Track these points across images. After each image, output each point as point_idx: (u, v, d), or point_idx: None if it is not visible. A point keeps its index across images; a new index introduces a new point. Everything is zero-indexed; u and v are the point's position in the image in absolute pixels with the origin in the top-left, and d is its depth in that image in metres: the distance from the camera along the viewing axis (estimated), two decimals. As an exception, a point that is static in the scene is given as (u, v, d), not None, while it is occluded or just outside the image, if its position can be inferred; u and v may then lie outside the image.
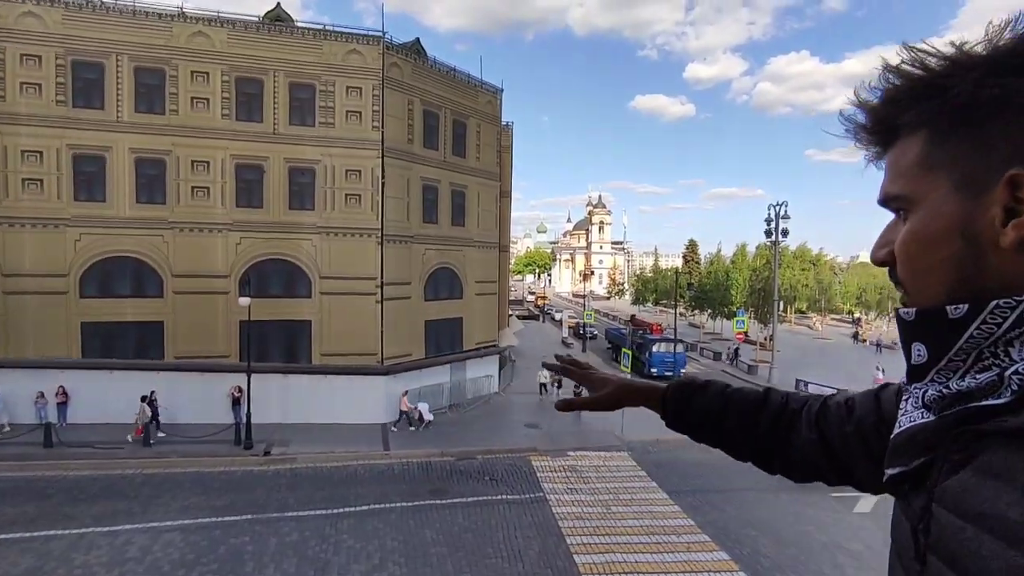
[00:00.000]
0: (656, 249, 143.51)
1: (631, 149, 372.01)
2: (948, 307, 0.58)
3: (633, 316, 39.19)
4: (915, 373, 0.64)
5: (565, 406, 1.24)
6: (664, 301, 62.48)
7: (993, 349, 0.57)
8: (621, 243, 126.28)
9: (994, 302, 0.55)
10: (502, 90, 26.72)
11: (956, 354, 0.59)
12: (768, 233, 32.08)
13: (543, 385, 25.14)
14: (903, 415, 0.68)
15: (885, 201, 0.66)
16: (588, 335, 45.19)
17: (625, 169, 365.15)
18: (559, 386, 23.86)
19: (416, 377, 21.74)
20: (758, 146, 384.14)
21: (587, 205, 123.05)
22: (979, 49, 0.57)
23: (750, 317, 40.77)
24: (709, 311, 48.74)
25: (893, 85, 0.62)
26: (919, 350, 0.62)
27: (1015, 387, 0.54)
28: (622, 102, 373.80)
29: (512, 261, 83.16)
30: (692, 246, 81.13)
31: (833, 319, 63.74)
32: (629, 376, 1.29)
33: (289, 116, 20.34)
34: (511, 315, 35.02)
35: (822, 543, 12.79)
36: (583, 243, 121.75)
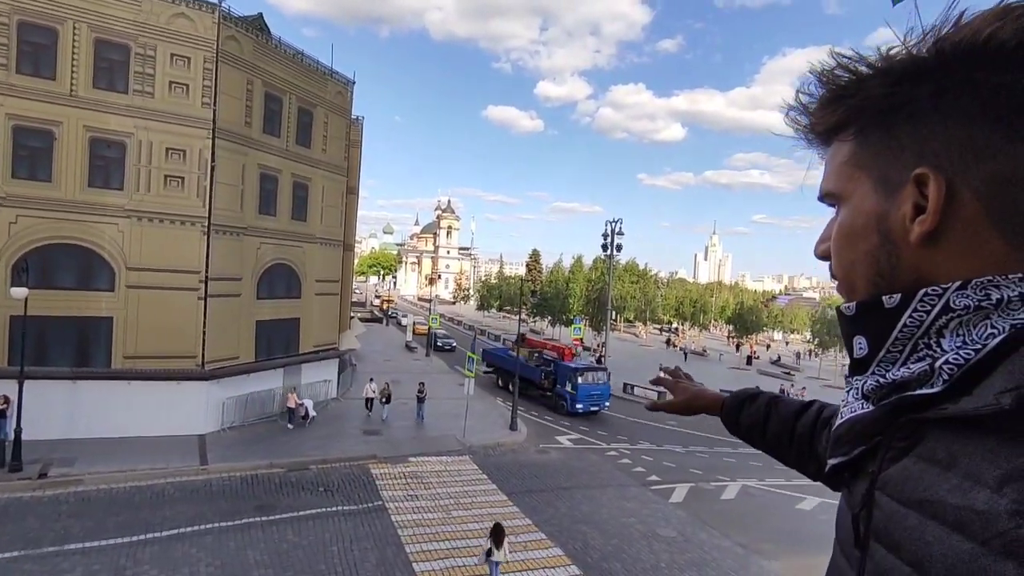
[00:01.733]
0: (502, 257, 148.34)
1: (482, 157, 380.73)
2: (884, 297, 0.60)
3: (523, 335, 31.76)
4: (857, 366, 0.66)
5: (651, 407, 1.47)
6: (508, 308, 64.67)
7: (926, 340, 0.58)
8: (468, 249, 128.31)
9: (923, 290, 0.57)
10: (354, 82, 25.59)
11: (893, 344, 0.60)
12: (604, 247, 34.80)
13: (370, 400, 22.18)
14: (844, 407, 0.69)
15: (822, 197, 0.69)
16: (445, 346, 42.77)
17: (476, 176, 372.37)
18: (386, 401, 21.81)
19: (243, 382, 19.73)
20: (598, 166, 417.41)
21: (436, 209, 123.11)
22: (898, 56, 0.59)
23: (586, 325, 43.81)
24: (549, 318, 51.51)
25: (827, 88, 0.65)
26: (860, 343, 0.64)
27: (945, 376, 0.55)
28: (475, 110, 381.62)
29: (356, 261, 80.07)
30: (535, 255, 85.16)
31: (655, 328, 71.11)
32: (701, 385, 1.43)
33: (93, 78, 17.28)
34: (353, 317, 33.54)
35: (641, 532, 14.03)
36: (431, 247, 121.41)
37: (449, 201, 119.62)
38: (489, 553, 10.88)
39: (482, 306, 68.48)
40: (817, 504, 16.87)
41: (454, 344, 44.26)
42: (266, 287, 21.14)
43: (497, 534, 10.88)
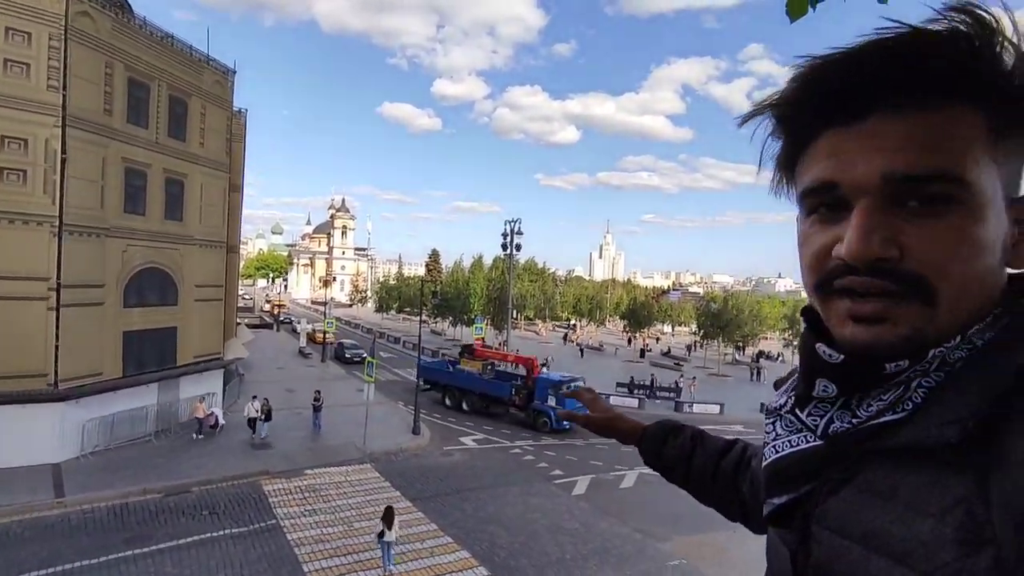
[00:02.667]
0: (400, 257, 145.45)
1: (378, 155, 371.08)
2: (888, 364, 0.53)
3: (469, 346, 29.00)
4: (807, 400, 0.60)
5: (566, 416, 1.34)
6: (408, 309, 63.42)
7: (908, 379, 0.55)
8: (365, 249, 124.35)
9: (932, 352, 0.52)
10: (235, 71, 23.76)
11: (870, 393, 0.56)
12: (504, 246, 35.13)
13: (253, 420, 19.55)
14: (776, 439, 0.63)
15: (922, 178, 0.50)
16: (355, 358, 36.86)
17: (371, 175, 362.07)
18: (266, 418, 19.60)
19: (109, 401, 17.59)
20: (497, 165, 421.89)
21: (330, 208, 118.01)
22: None
23: (487, 324, 44.00)
24: (450, 318, 51.18)
25: (991, 38, 0.49)
26: (826, 386, 0.58)
27: (917, 400, 0.52)
28: (370, 107, 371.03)
29: (242, 263, 74.84)
30: (435, 255, 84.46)
31: (555, 325, 73.02)
32: (622, 411, 1.27)
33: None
34: (240, 324, 31.20)
35: (546, 527, 14.27)
36: (324, 247, 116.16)
37: (344, 200, 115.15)
38: (381, 535, 11.36)
39: (381, 308, 66.54)
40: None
41: (364, 355, 36.55)
42: (135, 294, 19.02)
43: (388, 515, 11.45)
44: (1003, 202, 0.52)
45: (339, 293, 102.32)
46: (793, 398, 0.62)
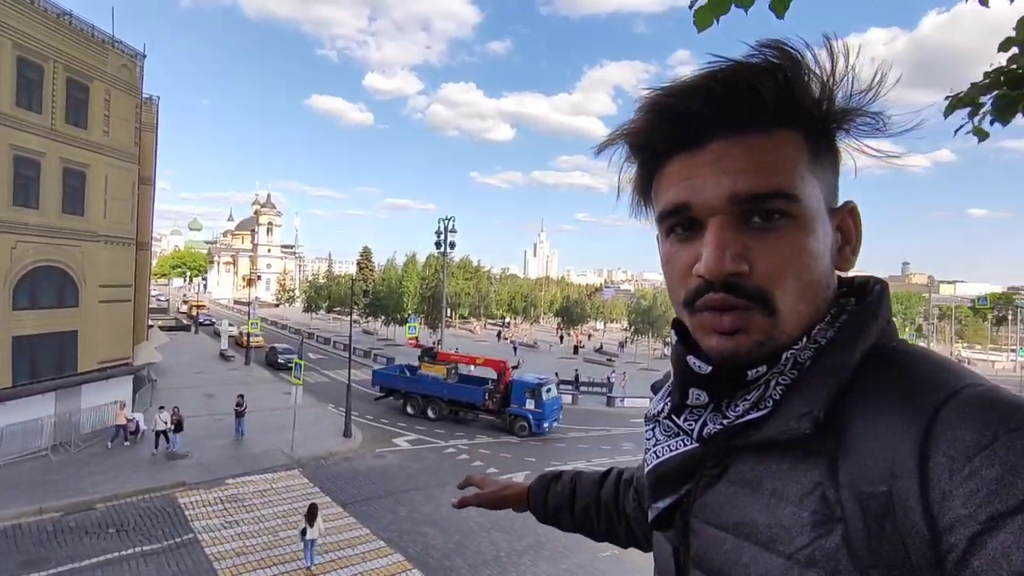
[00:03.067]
0: (330, 255, 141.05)
1: (307, 149, 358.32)
2: (749, 371, 0.58)
3: (430, 349, 27.78)
4: (682, 408, 0.64)
5: (460, 504, 1.28)
6: (338, 308, 61.58)
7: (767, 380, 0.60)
8: (292, 247, 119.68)
9: (784, 355, 0.57)
10: (145, 55, 22.10)
11: (736, 397, 0.61)
12: (438, 244, 34.76)
13: (161, 433, 17.75)
14: (656, 445, 0.67)
15: (763, 196, 0.56)
16: (288, 363, 30.27)
17: (299, 170, 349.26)
18: (176, 428, 17.76)
19: (-3, 413, 15.93)
20: (431, 162, 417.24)
21: (254, 204, 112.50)
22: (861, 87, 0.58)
23: (421, 323, 43.41)
24: (383, 318, 50.02)
25: (815, 73, 0.57)
26: (698, 395, 0.62)
27: (777, 397, 0.58)
28: (298, 98, 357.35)
29: (155, 262, 70.12)
30: (367, 253, 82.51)
31: (489, 323, 73.11)
32: (508, 480, 1.28)
33: None
34: (153, 326, 29.15)
35: (481, 525, 14.19)
36: (248, 245, 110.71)
37: (269, 195, 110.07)
38: (304, 532, 11.40)
39: (309, 308, 64.14)
40: (635, 475, 18.65)
41: (292, 358, 36.56)
42: (27, 295, 17.29)
43: (311, 513, 11.45)
44: (826, 213, 0.59)
45: (264, 292, 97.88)
46: (669, 406, 0.66)
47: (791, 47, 0.56)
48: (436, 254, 42.39)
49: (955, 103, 2.58)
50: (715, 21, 1.91)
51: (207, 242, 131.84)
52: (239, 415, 20.15)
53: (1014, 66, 2.46)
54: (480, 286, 63.48)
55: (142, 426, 18.85)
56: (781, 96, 0.55)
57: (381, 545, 12.77)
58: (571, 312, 56.96)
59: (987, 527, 0.41)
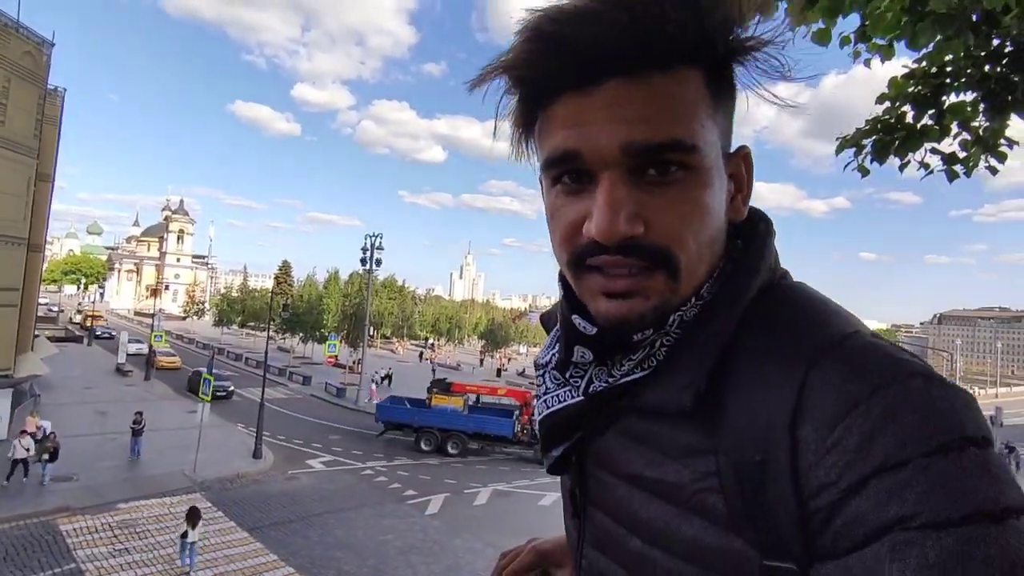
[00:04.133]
0: (246, 268, 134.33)
1: (227, 157, 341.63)
2: (634, 336, 0.55)
3: (441, 380, 26.44)
4: (568, 364, 0.63)
5: None
6: (253, 323, 58.56)
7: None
8: (205, 257, 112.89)
9: (672, 317, 0.55)
10: (53, 44, 20.56)
11: (622, 356, 0.59)
12: (364, 261, 34.11)
13: (19, 462, 14.88)
14: (547, 393, 0.65)
15: (660, 147, 0.49)
16: (219, 390, 26.79)
17: (217, 177, 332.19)
18: (51, 458, 15.28)
19: None
20: (359, 179, 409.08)
21: (164, 209, 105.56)
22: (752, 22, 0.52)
23: (341, 341, 42.14)
24: (301, 335, 48.12)
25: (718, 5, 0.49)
26: (583, 353, 0.60)
27: (660, 357, 0.57)
28: (219, 103, 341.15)
29: (45, 266, 63.94)
30: (286, 267, 79.18)
31: (413, 344, 72.00)
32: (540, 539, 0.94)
33: None
34: (39, 336, 26.51)
35: (398, 548, 13.89)
36: (155, 252, 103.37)
37: (182, 201, 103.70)
38: (185, 535, 11.42)
39: (220, 322, 60.53)
40: (555, 498, 18.89)
41: (230, 388, 30.14)
42: None
43: (192, 515, 11.54)
44: (723, 161, 0.54)
45: (171, 304, 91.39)
46: (555, 360, 0.64)
47: None
48: (360, 271, 41.59)
49: (843, 144, 3.09)
50: None
51: (108, 248, 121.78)
52: (136, 434, 18.64)
53: (887, 116, 2.98)
54: (404, 306, 62.62)
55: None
56: (688, 28, 0.48)
57: (290, 572, 12.19)
58: (495, 335, 57.31)
59: (846, 494, 0.43)
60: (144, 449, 18.65)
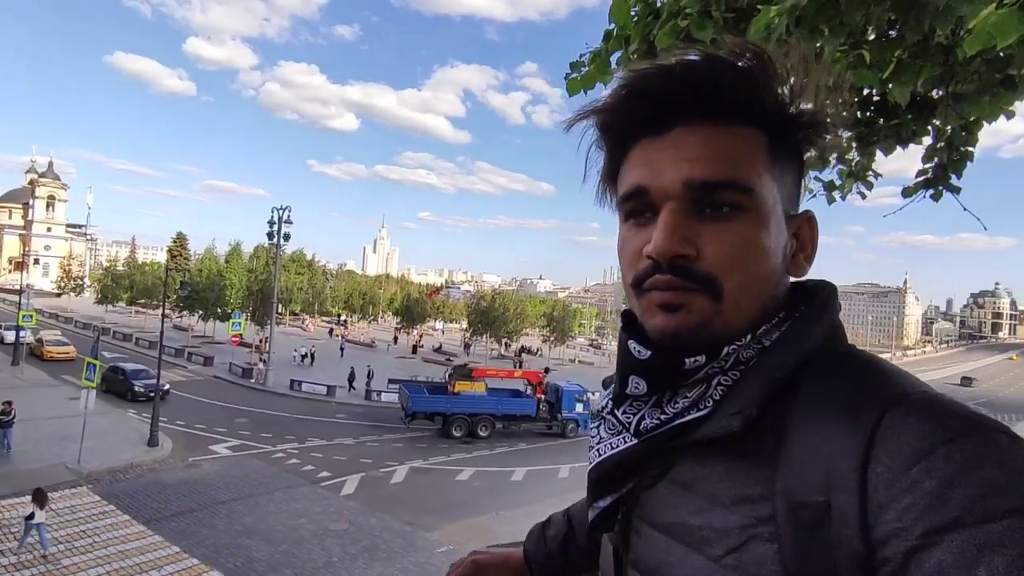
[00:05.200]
0: (134, 239, 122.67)
1: (108, 115, 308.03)
2: (687, 359, 0.57)
3: (462, 366, 27.10)
4: (624, 399, 0.63)
5: None
6: (144, 301, 53.90)
7: (709, 376, 0.59)
8: (83, 227, 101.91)
9: (725, 349, 0.57)
10: None
11: (676, 390, 0.60)
12: (270, 235, 32.23)
13: None
14: (600, 443, 0.65)
15: (716, 185, 0.56)
16: (147, 391, 22.46)
17: (97, 137, 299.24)
18: None
19: None
20: (264, 145, 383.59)
21: (28, 172, 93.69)
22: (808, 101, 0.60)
23: (246, 319, 39.84)
24: (200, 312, 44.83)
25: (775, 71, 0.58)
26: (637, 383, 0.61)
27: (717, 397, 0.57)
28: (96, 53, 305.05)
29: None
30: (180, 239, 73.32)
31: (324, 321, 69.42)
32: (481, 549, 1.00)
33: None
34: None
35: (312, 531, 13.54)
36: (19, 221, 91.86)
37: (51, 163, 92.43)
38: (31, 516, 11.00)
39: (104, 299, 55.02)
40: (472, 473, 19.17)
41: (165, 387, 23.70)
42: None
43: (39, 496, 11.20)
44: (782, 216, 0.59)
45: (42, 279, 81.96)
46: (611, 399, 0.65)
47: (763, 50, 0.58)
48: (266, 245, 39.26)
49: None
50: (584, 92, 2.23)
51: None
52: (5, 425, 16.68)
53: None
54: (315, 281, 60.06)
55: None
56: (747, 94, 0.57)
57: (195, 563, 11.51)
58: (411, 311, 56.49)
59: (923, 543, 0.40)
60: (17, 441, 16.74)
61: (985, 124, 2.07)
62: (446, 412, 23.73)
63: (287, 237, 32.57)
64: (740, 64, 0.57)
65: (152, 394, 22.54)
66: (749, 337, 0.57)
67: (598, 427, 0.67)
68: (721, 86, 0.57)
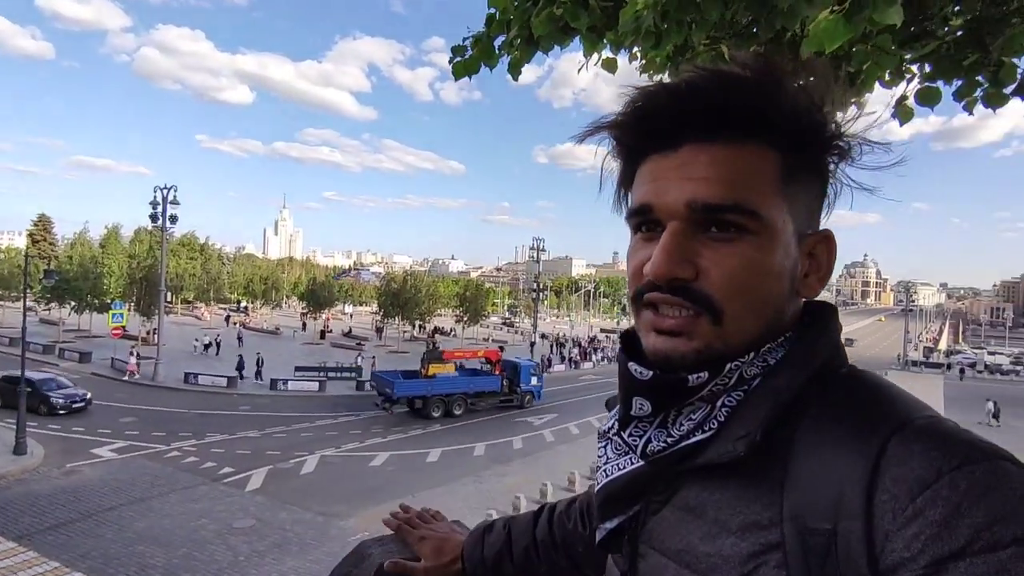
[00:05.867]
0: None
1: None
2: (690, 376, 0.57)
3: (434, 350, 28.18)
4: (630, 422, 0.63)
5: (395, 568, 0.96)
6: (1, 292, 47.75)
7: (713, 395, 0.59)
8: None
9: (728, 366, 0.56)
10: None
11: (679, 410, 0.60)
12: (154, 217, 29.51)
13: None
14: (607, 463, 0.66)
15: (720, 208, 0.55)
16: (67, 403, 21.11)
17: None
18: None
19: None
20: (143, 118, 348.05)
21: None
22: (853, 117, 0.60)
23: (130, 309, 36.45)
24: (73, 304, 40.36)
25: (787, 89, 0.56)
26: (641, 404, 0.60)
27: (722, 419, 0.57)
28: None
29: None
30: (44, 222, 65.54)
31: (222, 308, 65.01)
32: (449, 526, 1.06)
33: None
34: None
35: (215, 531, 12.83)
36: None
37: None
38: None
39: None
40: (387, 457, 18.94)
41: (87, 396, 22.32)
42: None
43: None
44: (792, 236, 0.58)
45: None
46: (617, 421, 0.64)
47: (778, 67, 0.57)
48: (151, 228, 35.90)
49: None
50: (468, 77, 2.22)
51: None
52: None
53: None
54: (209, 266, 55.96)
55: None
56: (758, 113, 0.56)
57: (78, 577, 10.57)
58: (318, 295, 54.20)
59: (930, 572, 0.41)
60: None
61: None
62: (427, 394, 24.89)
63: (174, 219, 29.90)
64: (748, 79, 0.56)
65: (75, 406, 21.52)
66: (752, 355, 0.57)
67: (605, 447, 0.67)
68: (727, 102, 0.56)
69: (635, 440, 0.61)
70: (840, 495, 0.47)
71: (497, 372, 27.22)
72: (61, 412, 21.16)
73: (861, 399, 0.54)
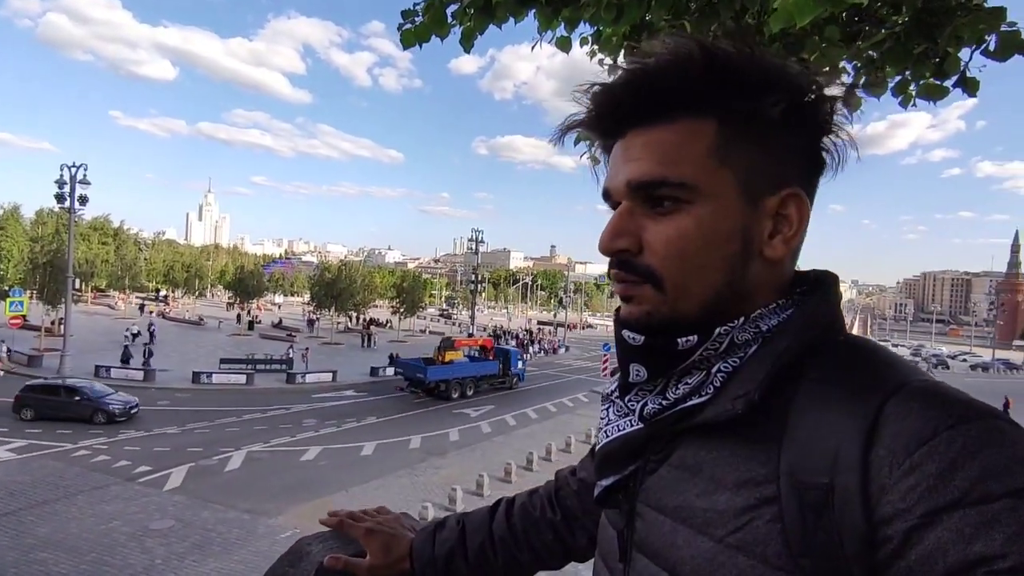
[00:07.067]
0: None
1: None
2: (679, 339, 0.59)
3: (449, 339, 31.92)
4: (629, 388, 0.65)
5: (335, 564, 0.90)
6: None
7: (707, 363, 0.61)
8: None
9: (717, 330, 0.59)
10: None
11: (675, 374, 0.62)
12: (60, 197, 27.13)
13: None
14: (608, 424, 0.68)
15: (650, 184, 0.59)
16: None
17: None
18: None
19: None
20: (48, 91, 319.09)
21: None
22: (794, 63, 0.60)
23: (31, 297, 33.46)
24: (-36, 290, 36.59)
25: (709, 59, 0.57)
26: (638, 370, 0.63)
27: (718, 384, 0.59)
28: None
29: None
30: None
31: (139, 297, 60.83)
32: (395, 520, 0.99)
33: None
34: None
35: (128, 534, 12.01)
36: None
37: None
38: None
39: None
40: (318, 451, 18.34)
41: (134, 404, 20.83)
42: None
43: None
44: (740, 200, 0.58)
45: None
46: (618, 387, 0.67)
47: (702, 40, 0.58)
48: (57, 209, 33.01)
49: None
50: (419, 46, 2.14)
51: None
52: None
53: None
54: (124, 252, 52.19)
55: None
56: (687, 90, 0.58)
57: (-32, 590, 9.63)
58: (245, 284, 51.72)
59: (924, 522, 0.43)
60: None
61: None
62: (449, 378, 28.14)
63: (83, 200, 27.58)
64: (667, 61, 0.58)
65: (132, 412, 20.26)
66: (742, 320, 0.59)
67: (607, 410, 0.70)
68: (652, 88, 0.58)
69: (633, 404, 0.64)
70: (837, 450, 0.49)
71: (491, 358, 30.72)
72: (121, 419, 19.93)
73: (860, 363, 0.55)
